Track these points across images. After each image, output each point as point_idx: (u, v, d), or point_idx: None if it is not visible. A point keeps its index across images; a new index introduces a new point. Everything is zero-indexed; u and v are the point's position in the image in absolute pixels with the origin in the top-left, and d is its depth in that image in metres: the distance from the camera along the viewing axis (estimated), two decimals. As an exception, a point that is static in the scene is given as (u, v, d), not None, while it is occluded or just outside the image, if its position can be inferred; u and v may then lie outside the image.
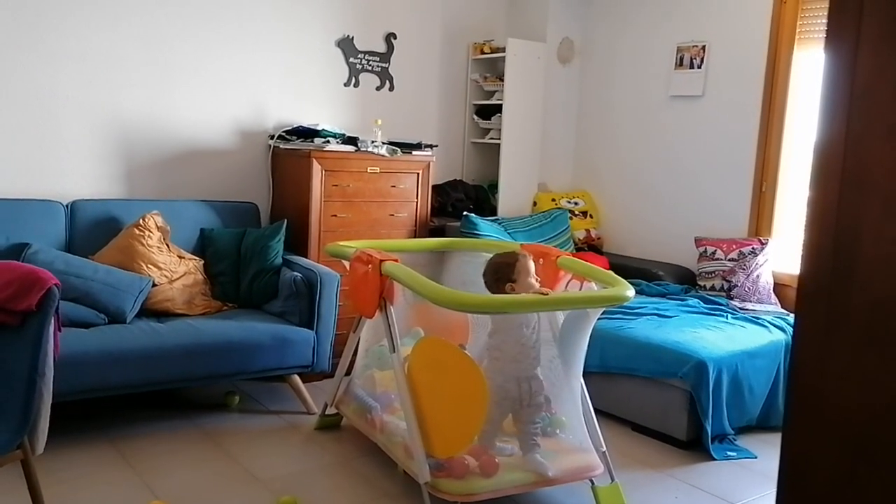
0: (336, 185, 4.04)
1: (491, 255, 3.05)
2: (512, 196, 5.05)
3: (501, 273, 2.87)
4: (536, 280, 2.90)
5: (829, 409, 1.52)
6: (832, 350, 1.51)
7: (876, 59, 1.44)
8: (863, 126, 1.47)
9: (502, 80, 4.92)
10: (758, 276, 4.26)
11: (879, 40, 1.44)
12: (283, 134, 4.20)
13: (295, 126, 4.20)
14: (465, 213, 4.59)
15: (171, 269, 3.62)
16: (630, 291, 2.73)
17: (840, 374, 1.50)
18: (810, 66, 4.26)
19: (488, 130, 5.15)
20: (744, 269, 4.27)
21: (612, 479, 2.90)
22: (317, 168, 3.96)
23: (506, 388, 2.75)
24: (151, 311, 3.52)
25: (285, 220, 3.94)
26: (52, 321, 2.27)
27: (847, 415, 1.49)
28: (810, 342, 1.54)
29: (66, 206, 3.64)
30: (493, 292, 2.88)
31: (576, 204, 5.23)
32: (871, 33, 1.45)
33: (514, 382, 2.76)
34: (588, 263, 3.13)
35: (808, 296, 1.55)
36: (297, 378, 3.65)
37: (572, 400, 2.86)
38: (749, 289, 4.24)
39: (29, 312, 2.23)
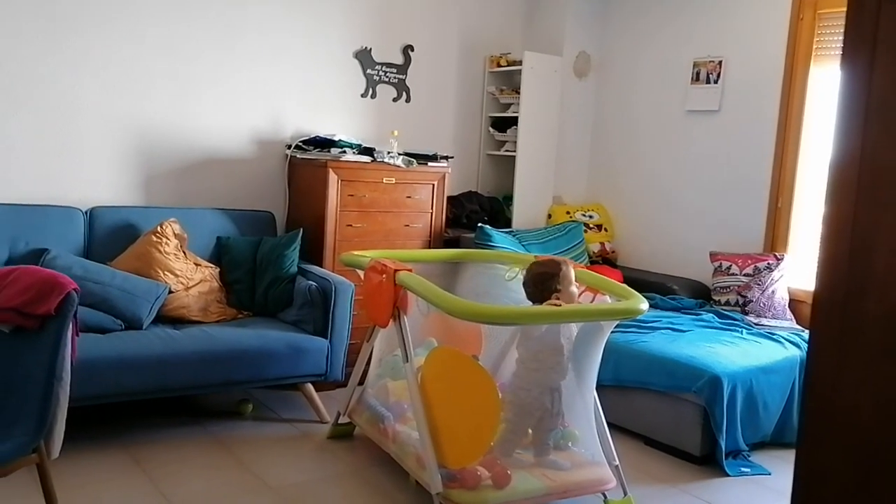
0: (352, 195, 4.07)
1: (528, 265, 3.03)
2: (527, 208, 5.06)
3: (547, 284, 2.88)
4: (577, 287, 2.92)
5: (844, 422, 1.51)
6: (847, 363, 1.50)
7: (892, 75, 1.45)
8: (878, 141, 1.47)
9: (518, 93, 4.94)
10: (773, 292, 4.24)
11: (896, 56, 1.44)
12: (301, 144, 4.23)
13: (312, 136, 4.23)
14: (479, 224, 4.59)
15: (188, 276, 3.65)
16: (644, 305, 2.73)
17: (855, 387, 1.49)
18: (826, 83, 4.25)
19: (504, 143, 5.16)
20: (759, 285, 4.25)
21: (625, 494, 2.89)
22: (333, 178, 3.99)
23: (541, 400, 2.79)
24: (167, 318, 3.54)
25: (301, 230, 3.97)
26: (71, 326, 2.29)
27: (862, 428, 1.48)
28: (825, 355, 1.54)
29: (86, 212, 3.68)
30: (537, 303, 2.89)
31: (590, 217, 5.23)
32: (888, 49, 1.45)
33: (549, 392, 2.79)
34: (602, 276, 3.13)
35: (824, 309, 1.55)
36: (310, 387, 3.66)
37: (585, 413, 2.86)
38: (764, 304, 4.22)
39: (48, 317, 2.25)
